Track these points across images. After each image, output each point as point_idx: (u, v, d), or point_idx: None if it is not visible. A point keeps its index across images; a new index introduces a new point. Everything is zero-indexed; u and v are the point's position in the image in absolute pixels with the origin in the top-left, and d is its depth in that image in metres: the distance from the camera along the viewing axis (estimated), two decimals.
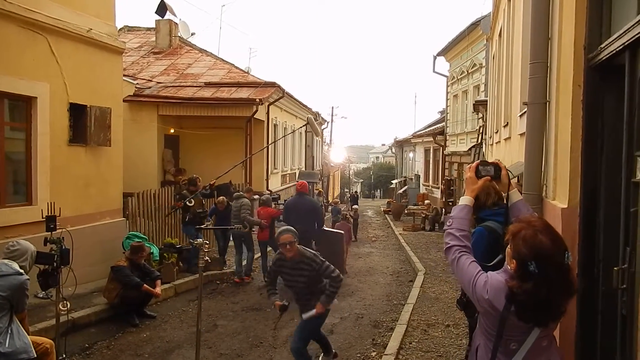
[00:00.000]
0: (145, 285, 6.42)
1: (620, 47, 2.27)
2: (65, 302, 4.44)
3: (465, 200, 2.27)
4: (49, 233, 4.56)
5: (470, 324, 3.25)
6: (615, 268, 2.30)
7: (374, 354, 5.39)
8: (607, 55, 2.46)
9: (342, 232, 10.08)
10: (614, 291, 2.35)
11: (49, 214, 4.76)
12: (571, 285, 1.88)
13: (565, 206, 2.85)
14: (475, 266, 2.05)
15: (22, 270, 3.50)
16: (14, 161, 6.83)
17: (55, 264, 4.23)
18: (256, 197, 14.62)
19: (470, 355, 2.22)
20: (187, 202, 8.56)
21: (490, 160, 3.00)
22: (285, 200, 10.32)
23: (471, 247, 2.21)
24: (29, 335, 3.61)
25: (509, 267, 1.94)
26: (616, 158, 2.43)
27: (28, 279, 3.49)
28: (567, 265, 1.84)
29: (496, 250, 2.62)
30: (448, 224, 2.24)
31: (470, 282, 2.00)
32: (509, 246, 1.96)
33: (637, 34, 2.07)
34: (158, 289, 6.67)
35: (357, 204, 21.84)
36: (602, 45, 2.56)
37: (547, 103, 3.35)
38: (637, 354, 1.99)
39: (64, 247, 4.36)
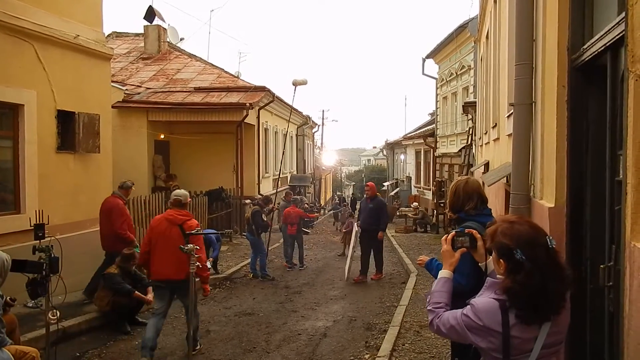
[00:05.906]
0: (136, 292, 6.38)
1: (602, 48, 2.31)
2: (55, 311, 4.37)
3: (443, 273, 2.24)
4: (38, 241, 4.49)
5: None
6: (601, 266, 2.34)
7: (367, 356, 5.39)
8: (590, 56, 2.50)
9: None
10: (601, 289, 2.38)
11: (38, 222, 4.69)
12: (563, 270, 1.84)
13: (553, 205, 2.89)
14: (454, 311, 2.00)
15: None
16: (1, 169, 6.75)
17: (44, 273, 4.17)
18: (247, 201, 14.65)
19: None
20: (265, 217, 10.12)
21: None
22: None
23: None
24: (19, 344, 3.51)
25: (499, 275, 1.90)
26: (601, 157, 2.47)
27: None
28: (553, 249, 1.83)
29: None
30: (427, 300, 2.20)
31: (459, 324, 1.93)
32: (492, 253, 1.93)
33: (617, 35, 2.10)
34: (150, 296, 6.60)
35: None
36: (585, 47, 2.60)
37: (533, 104, 3.39)
38: (624, 349, 2.02)
39: (53, 256, 4.29)
